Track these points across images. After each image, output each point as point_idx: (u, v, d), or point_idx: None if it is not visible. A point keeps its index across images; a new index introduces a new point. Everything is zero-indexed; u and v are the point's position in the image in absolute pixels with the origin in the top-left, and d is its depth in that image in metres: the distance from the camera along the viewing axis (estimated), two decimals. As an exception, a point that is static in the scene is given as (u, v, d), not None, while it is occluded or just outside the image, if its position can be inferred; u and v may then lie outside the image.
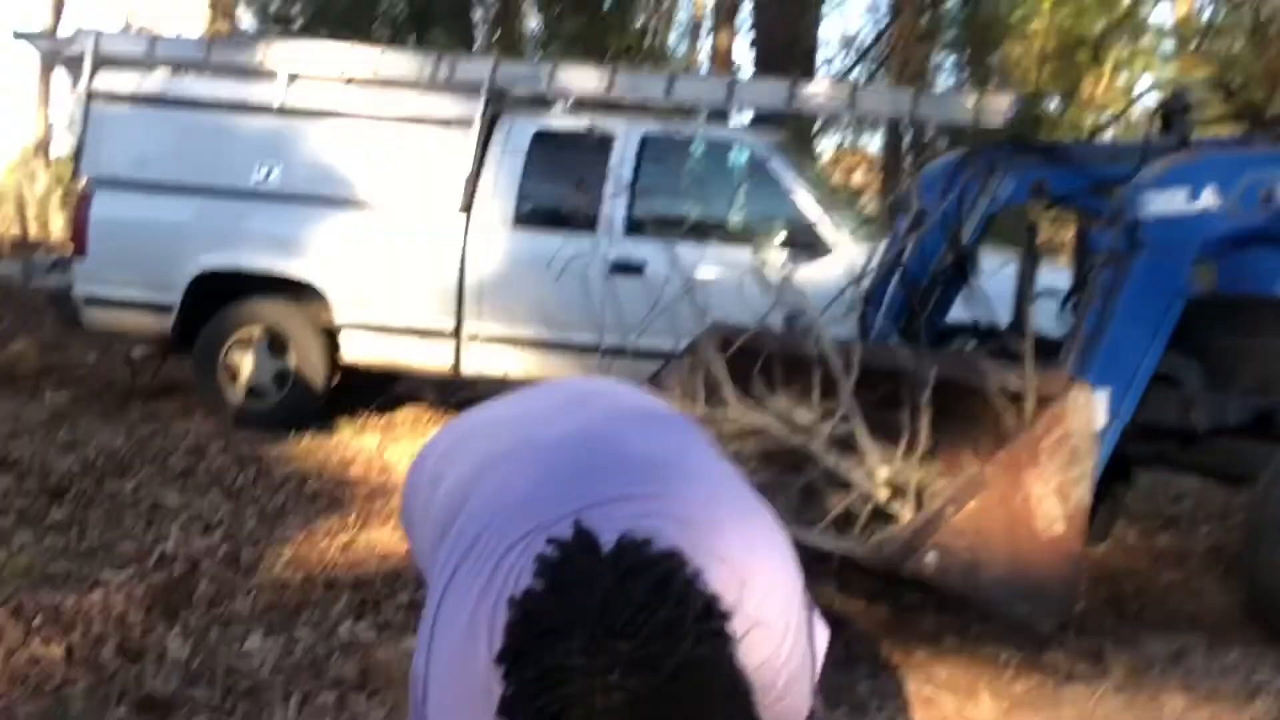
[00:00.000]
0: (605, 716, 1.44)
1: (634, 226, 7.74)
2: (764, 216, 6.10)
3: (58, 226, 17.29)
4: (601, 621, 1.45)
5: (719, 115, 8.41)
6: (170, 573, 5.04)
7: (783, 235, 7.27)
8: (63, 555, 5.21)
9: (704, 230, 7.52)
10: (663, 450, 2.01)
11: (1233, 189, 4.87)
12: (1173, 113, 5.94)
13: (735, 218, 7.71)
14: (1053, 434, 4.13)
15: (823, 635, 2.02)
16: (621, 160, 8.06)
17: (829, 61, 20.22)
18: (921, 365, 4.53)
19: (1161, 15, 26.28)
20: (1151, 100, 7.02)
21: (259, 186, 8.22)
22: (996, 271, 5.72)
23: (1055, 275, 6.32)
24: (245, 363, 8.22)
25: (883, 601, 5.12)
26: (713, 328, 5.53)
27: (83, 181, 8.59)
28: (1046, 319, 5.52)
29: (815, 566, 3.78)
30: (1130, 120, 13.79)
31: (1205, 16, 23.97)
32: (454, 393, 8.00)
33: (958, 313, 5.93)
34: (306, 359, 8.16)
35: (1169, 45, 22.34)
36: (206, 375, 8.29)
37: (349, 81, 8.47)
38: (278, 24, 18.86)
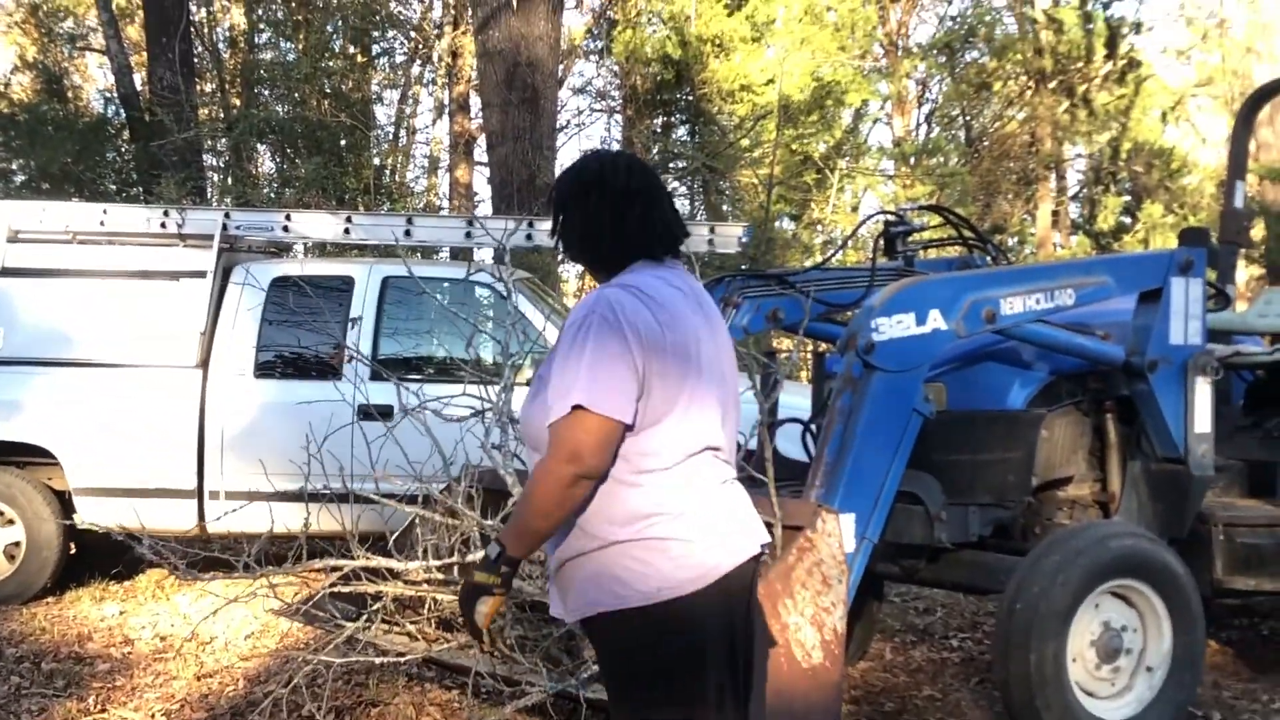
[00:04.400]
0: None
1: (379, 369, 7.24)
2: (509, 352, 5.73)
3: None
4: None
5: (461, 252, 8.34)
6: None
7: (529, 371, 6.94)
8: None
9: (450, 369, 7.61)
10: None
11: (956, 310, 5.12)
12: (895, 236, 6.29)
13: (480, 355, 7.64)
14: (804, 563, 4.19)
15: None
16: (363, 303, 8.16)
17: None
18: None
19: (882, 135, 26.44)
20: (878, 220, 7.41)
21: (-20, 351, 8.08)
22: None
23: (797, 399, 6.56)
24: (-29, 538, 8.05)
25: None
26: (463, 471, 5.52)
27: None
28: (791, 443, 5.79)
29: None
30: (861, 241, 14.00)
31: (921, 135, 24.65)
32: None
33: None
34: (39, 528, 8.05)
35: (889, 164, 22.59)
36: (-70, 555, 8.09)
37: (74, 239, 8.43)
38: (-3, 181, 17.80)
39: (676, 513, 2.94)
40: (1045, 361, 5.96)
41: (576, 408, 2.84)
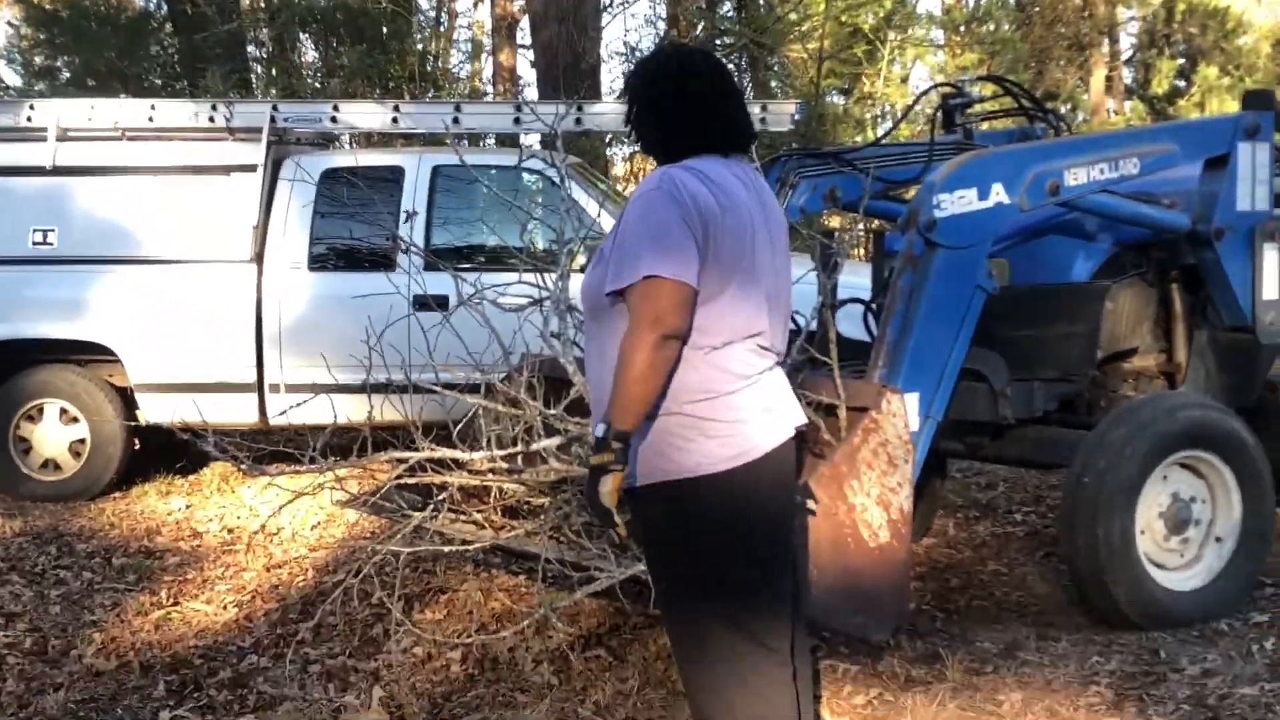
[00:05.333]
0: None
1: (434, 260, 7.12)
2: (562, 239, 5.54)
3: None
4: None
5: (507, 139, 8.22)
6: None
7: (583, 258, 6.24)
8: None
9: (503, 257, 7.36)
10: None
11: (1019, 184, 5.03)
12: (953, 108, 6.17)
13: (534, 243, 7.73)
14: (869, 443, 4.17)
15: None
16: (414, 193, 8.11)
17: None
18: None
19: (931, 4, 25.44)
20: (933, 93, 7.25)
21: (37, 251, 8.17)
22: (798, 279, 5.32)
23: (855, 278, 6.42)
24: (38, 434, 8.23)
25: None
26: (522, 360, 5.49)
27: None
28: (851, 323, 5.71)
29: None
30: (914, 114, 13.58)
31: (971, 1, 23.60)
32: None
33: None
34: (103, 425, 8.15)
35: (938, 34, 21.81)
36: (-4, 451, 8.23)
37: (123, 135, 8.41)
38: (42, 79, 17.65)
39: (721, 393, 3.05)
40: (1109, 233, 5.86)
41: (648, 276, 2.95)
